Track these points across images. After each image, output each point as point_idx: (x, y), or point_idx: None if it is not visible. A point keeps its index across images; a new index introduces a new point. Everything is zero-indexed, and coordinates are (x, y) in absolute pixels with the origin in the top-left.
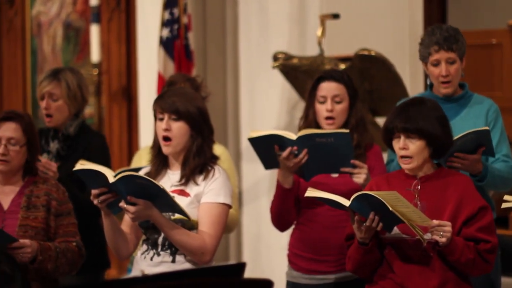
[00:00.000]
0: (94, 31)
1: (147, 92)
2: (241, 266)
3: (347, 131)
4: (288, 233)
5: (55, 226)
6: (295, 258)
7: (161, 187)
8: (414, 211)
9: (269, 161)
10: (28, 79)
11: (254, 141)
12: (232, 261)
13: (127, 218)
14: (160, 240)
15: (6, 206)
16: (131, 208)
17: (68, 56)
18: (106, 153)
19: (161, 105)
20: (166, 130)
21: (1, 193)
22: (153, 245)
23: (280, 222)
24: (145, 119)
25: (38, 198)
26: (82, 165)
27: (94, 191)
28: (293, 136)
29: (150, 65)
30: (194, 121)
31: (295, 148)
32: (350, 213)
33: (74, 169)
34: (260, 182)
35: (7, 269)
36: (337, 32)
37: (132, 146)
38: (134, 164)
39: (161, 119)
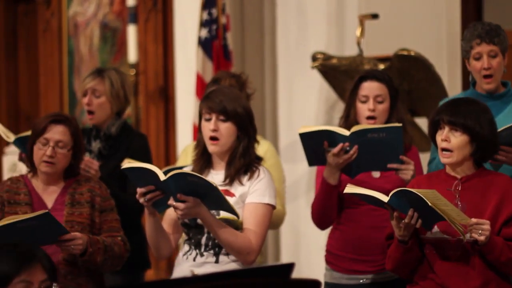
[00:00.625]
0: (131, 31)
1: (184, 92)
2: (290, 267)
3: (400, 125)
4: (327, 232)
5: (99, 222)
6: (335, 259)
7: (213, 185)
8: (453, 210)
9: (314, 158)
10: (64, 79)
11: (304, 136)
12: (271, 261)
13: (168, 217)
14: (203, 240)
15: (50, 204)
16: (180, 205)
17: (105, 56)
18: (147, 153)
19: (209, 105)
20: (214, 130)
21: (45, 193)
22: (196, 245)
23: (321, 220)
24: (182, 119)
25: (81, 195)
26: (129, 163)
27: (140, 190)
28: (345, 132)
29: (187, 65)
30: (241, 122)
31: (347, 144)
32: (389, 209)
33: (123, 167)
34: (299, 182)
35: (25, 250)
36: (376, 32)
37: (169, 146)
38: (180, 161)
39: (208, 119)
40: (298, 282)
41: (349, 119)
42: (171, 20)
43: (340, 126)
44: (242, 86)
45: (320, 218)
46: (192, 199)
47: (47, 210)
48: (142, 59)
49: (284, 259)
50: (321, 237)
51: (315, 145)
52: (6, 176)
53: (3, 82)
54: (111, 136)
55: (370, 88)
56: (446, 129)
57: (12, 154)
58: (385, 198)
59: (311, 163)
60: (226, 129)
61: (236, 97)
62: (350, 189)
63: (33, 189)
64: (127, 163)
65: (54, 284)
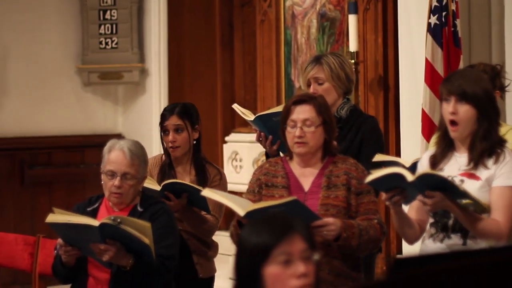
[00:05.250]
0: (352, 21)
1: (408, 80)
2: None
3: None
4: None
5: (356, 205)
6: None
7: (452, 182)
8: None
9: None
10: (281, 70)
11: None
12: None
13: (413, 204)
14: (450, 223)
15: (307, 187)
16: (428, 201)
17: (322, 46)
18: (379, 136)
19: (448, 88)
20: (453, 113)
21: (302, 176)
22: (443, 228)
23: None
24: (407, 107)
25: (338, 178)
26: (373, 173)
27: (385, 195)
28: None
29: (411, 53)
30: (481, 104)
31: None
32: None
33: (366, 181)
34: None
35: (282, 221)
36: None
37: (388, 135)
38: (431, 146)
39: (448, 102)
40: None
41: None
42: (391, 9)
43: None
44: (495, 77)
45: None
46: (438, 194)
47: (295, 197)
48: (361, 49)
49: None
50: None
51: None
52: (226, 164)
53: (220, 73)
54: (341, 118)
55: None
56: None
57: (232, 142)
58: None
59: None
60: (465, 112)
61: (476, 79)
62: None
63: (290, 172)
64: (371, 175)
65: (315, 254)
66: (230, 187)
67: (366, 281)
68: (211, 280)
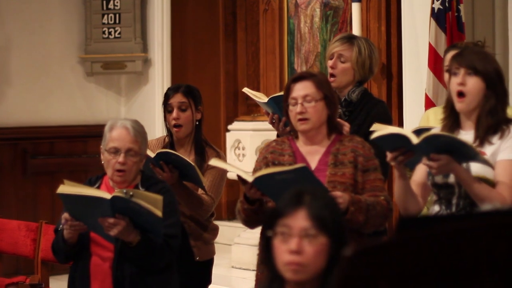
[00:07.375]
0: (355, 10)
1: (411, 68)
2: None
3: None
4: None
5: (362, 182)
6: None
7: (465, 142)
8: None
9: None
10: (284, 59)
11: None
12: None
13: (416, 177)
14: (454, 199)
15: (313, 165)
16: (433, 164)
17: (325, 35)
18: (388, 119)
19: (458, 60)
20: (461, 84)
21: (308, 154)
22: (447, 205)
23: None
24: (410, 93)
25: (344, 155)
26: (377, 128)
27: (390, 154)
28: None
29: (414, 40)
30: (489, 80)
31: None
32: None
33: (371, 137)
34: None
35: (296, 193)
36: None
37: (391, 123)
38: (421, 124)
39: (456, 74)
40: None
41: None
42: None
43: None
44: None
45: None
46: (444, 157)
47: (304, 164)
48: (363, 36)
49: None
50: None
51: None
52: (229, 153)
53: (223, 62)
54: (351, 102)
55: None
56: None
57: (235, 130)
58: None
59: None
60: (474, 84)
61: (488, 57)
62: None
63: (297, 150)
64: (375, 130)
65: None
66: (232, 175)
67: (375, 240)
68: (209, 263)
